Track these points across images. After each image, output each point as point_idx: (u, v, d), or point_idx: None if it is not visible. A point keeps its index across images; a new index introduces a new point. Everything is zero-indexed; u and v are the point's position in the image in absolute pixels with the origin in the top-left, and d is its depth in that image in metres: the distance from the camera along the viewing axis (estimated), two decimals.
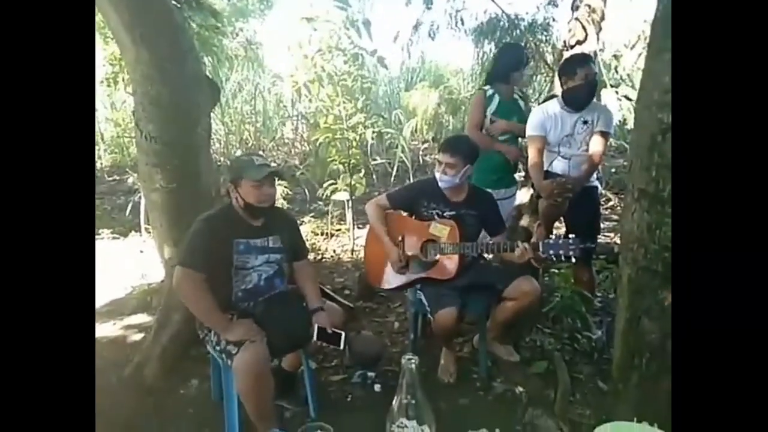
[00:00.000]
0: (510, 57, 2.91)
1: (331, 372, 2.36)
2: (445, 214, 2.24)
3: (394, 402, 0.87)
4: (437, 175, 2.23)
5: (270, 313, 1.82)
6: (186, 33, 2.56)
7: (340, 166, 3.97)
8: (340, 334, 1.80)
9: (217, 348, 1.73)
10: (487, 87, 2.87)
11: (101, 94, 7.69)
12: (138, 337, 2.79)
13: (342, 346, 1.82)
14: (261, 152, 8.45)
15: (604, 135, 2.55)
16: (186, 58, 2.41)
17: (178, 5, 3.31)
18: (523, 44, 4.56)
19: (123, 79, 4.76)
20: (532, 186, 2.77)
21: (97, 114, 8.14)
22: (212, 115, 7.78)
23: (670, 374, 1.31)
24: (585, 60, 2.57)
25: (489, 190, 2.62)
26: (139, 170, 2.55)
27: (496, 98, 2.82)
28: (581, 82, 2.44)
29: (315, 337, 1.82)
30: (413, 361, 0.85)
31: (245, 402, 1.68)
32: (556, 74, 2.83)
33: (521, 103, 2.88)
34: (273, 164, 7.66)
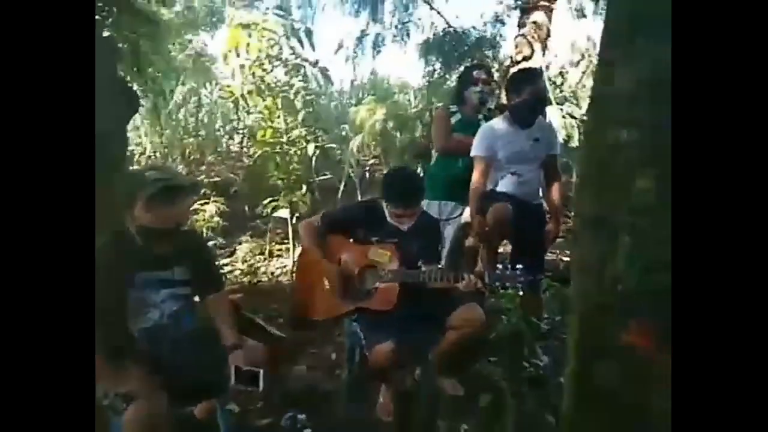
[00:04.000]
0: (461, 77, 2.92)
1: (257, 415, 2.10)
2: (386, 240, 2.06)
3: None
4: (393, 222, 2.05)
5: (177, 355, 1.56)
6: (98, 37, 2.29)
7: (280, 182, 3.73)
8: (258, 373, 1.57)
9: (105, 402, 1.45)
10: (452, 106, 2.89)
11: None
12: None
13: (261, 387, 1.59)
14: (203, 167, 8.07)
15: (556, 170, 2.61)
16: (98, 63, 2.13)
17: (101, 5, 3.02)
18: (476, 63, 4.55)
19: None
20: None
21: None
22: (154, 128, 7.28)
23: (624, 423, 1.17)
24: (533, 75, 2.53)
25: (437, 203, 2.70)
26: None
27: (458, 116, 2.81)
28: (528, 97, 2.38)
29: (233, 380, 1.58)
30: None
31: None
32: (503, 89, 2.79)
33: (483, 122, 2.79)
34: (217, 179, 7.26)
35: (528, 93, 2.38)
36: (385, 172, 2.57)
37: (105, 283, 1.45)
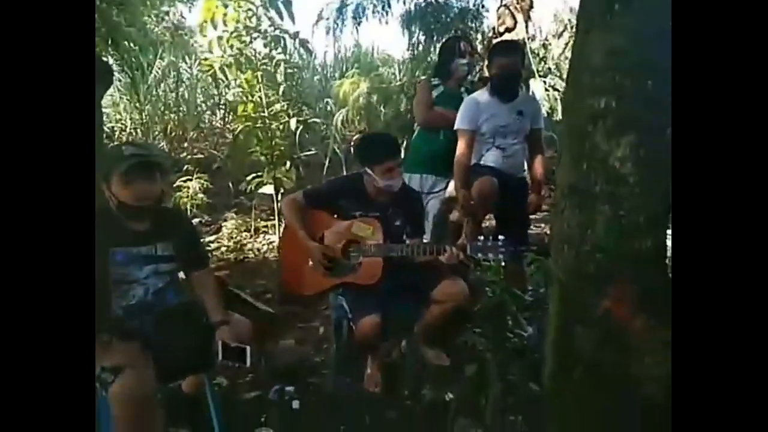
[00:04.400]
0: (444, 49, 2.87)
1: (245, 389, 2.12)
2: (369, 214, 2.05)
3: None
4: (382, 183, 2.00)
5: (161, 331, 1.55)
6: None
7: (263, 158, 3.68)
8: (245, 349, 1.58)
9: None
10: (434, 79, 2.85)
11: None
12: None
13: (248, 363, 1.60)
14: (185, 143, 7.92)
15: (539, 143, 2.60)
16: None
17: None
18: (459, 34, 4.48)
19: None
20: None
21: None
22: (133, 104, 7.07)
23: (605, 390, 1.21)
24: (510, 47, 2.52)
25: (419, 176, 2.72)
26: None
27: (441, 89, 2.77)
28: (505, 70, 2.37)
29: (220, 356, 1.60)
30: None
31: None
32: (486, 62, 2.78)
33: (465, 95, 2.77)
34: (200, 155, 7.11)
35: (507, 65, 2.38)
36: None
37: None
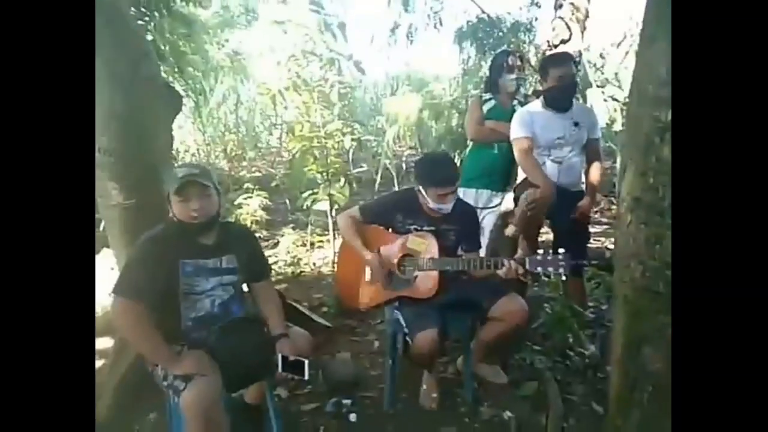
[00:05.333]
0: (494, 64, 2.86)
1: (303, 400, 2.16)
2: (423, 228, 2.06)
3: None
4: (433, 205, 2.00)
5: (226, 342, 1.62)
6: (140, 36, 2.38)
7: (318, 176, 3.79)
8: (303, 362, 1.62)
9: (165, 383, 1.54)
10: (485, 94, 2.85)
11: None
12: (99, 363, 2.57)
13: (306, 376, 1.63)
14: (244, 162, 8.28)
15: (597, 153, 2.56)
16: (140, 63, 2.22)
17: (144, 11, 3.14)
18: (509, 48, 4.45)
19: None
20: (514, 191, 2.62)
21: None
22: (195, 125, 7.47)
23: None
24: (562, 59, 2.48)
25: (474, 191, 2.70)
26: (96, 186, 2.35)
27: (492, 103, 2.77)
28: (557, 82, 2.35)
29: (279, 368, 1.64)
30: None
31: None
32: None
33: (518, 108, 2.75)
34: (258, 174, 7.40)
35: (559, 77, 2.35)
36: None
37: (159, 272, 1.53)
